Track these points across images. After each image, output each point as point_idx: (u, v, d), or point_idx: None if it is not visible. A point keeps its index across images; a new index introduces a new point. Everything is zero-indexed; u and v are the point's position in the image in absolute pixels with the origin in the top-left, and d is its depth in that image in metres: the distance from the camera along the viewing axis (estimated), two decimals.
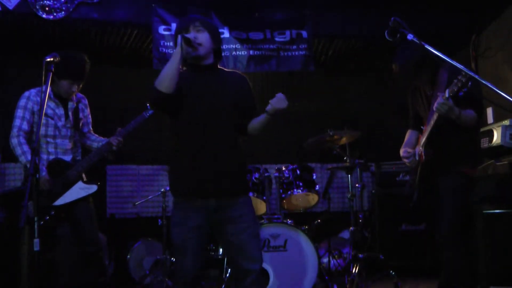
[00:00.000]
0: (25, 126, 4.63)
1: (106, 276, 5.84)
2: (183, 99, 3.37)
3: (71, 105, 4.81)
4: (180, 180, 3.44)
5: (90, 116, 5.04)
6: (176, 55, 3.27)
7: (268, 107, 3.32)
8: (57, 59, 3.77)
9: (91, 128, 5.07)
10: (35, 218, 3.33)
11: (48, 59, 3.75)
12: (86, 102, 5.01)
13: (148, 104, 4.89)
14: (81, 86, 4.81)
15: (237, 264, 3.44)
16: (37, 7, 5.74)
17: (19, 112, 4.68)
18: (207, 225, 3.40)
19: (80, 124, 4.91)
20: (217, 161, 3.33)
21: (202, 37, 3.40)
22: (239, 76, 3.61)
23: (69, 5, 5.86)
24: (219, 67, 3.63)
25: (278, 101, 3.30)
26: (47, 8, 5.78)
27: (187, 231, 3.34)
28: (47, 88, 3.71)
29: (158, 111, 3.47)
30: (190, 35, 3.35)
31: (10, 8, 5.69)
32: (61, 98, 4.76)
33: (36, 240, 3.31)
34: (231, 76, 3.59)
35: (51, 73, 3.72)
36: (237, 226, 3.37)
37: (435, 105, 3.86)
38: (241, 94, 3.49)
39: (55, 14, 5.81)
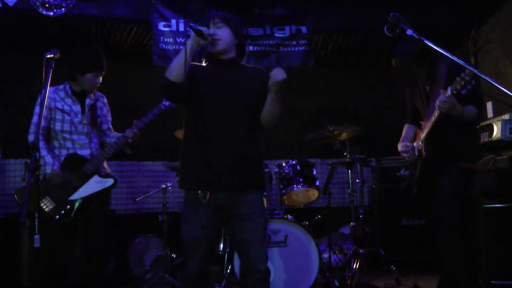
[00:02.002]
0: (41, 123, 4.65)
1: (106, 272, 5.86)
2: (197, 92, 3.38)
3: (88, 102, 4.84)
4: (189, 173, 3.44)
5: (109, 114, 5.07)
6: (186, 46, 3.27)
7: (269, 82, 3.25)
8: (57, 55, 3.79)
9: (111, 126, 5.09)
10: (35, 214, 3.34)
11: (48, 56, 3.76)
12: (105, 100, 5.04)
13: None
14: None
15: (243, 262, 3.46)
16: (37, 3, 5.73)
17: (36, 109, 4.73)
18: (215, 223, 3.40)
19: (99, 121, 4.94)
20: (226, 155, 3.33)
21: (221, 33, 3.41)
22: (259, 72, 3.58)
23: (69, 1, 5.86)
24: (241, 63, 3.61)
25: (277, 73, 3.22)
26: (47, 5, 5.78)
27: (195, 229, 3.35)
28: (48, 84, 3.72)
29: (168, 100, 3.47)
30: (205, 28, 3.33)
31: (11, 4, 5.69)
32: (78, 95, 4.80)
33: (36, 236, 3.31)
34: (251, 71, 3.57)
35: (51, 69, 3.73)
36: (244, 224, 3.37)
37: (437, 102, 3.86)
38: (258, 90, 3.43)
39: (55, 10, 5.81)
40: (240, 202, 3.36)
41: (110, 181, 4.71)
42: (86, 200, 4.61)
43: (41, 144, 4.60)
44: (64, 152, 4.70)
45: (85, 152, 4.75)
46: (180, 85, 3.29)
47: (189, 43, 3.29)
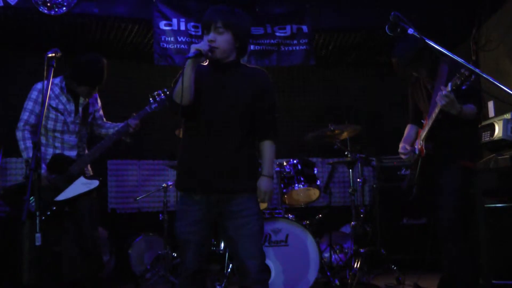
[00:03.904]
0: (32, 119, 4.64)
1: (103, 272, 5.86)
2: (196, 95, 3.33)
3: (82, 101, 4.83)
4: (184, 175, 3.44)
5: (101, 108, 5.08)
6: (186, 69, 3.20)
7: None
8: (58, 54, 3.78)
9: (104, 119, 5.11)
10: (37, 213, 3.33)
11: (50, 55, 3.75)
12: (97, 95, 5.04)
13: (151, 98, 4.92)
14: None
15: (236, 260, 3.45)
16: (39, 2, 5.73)
17: (29, 105, 4.68)
18: (209, 219, 3.39)
19: (90, 118, 4.94)
20: (221, 159, 3.32)
21: (221, 40, 3.32)
22: (260, 75, 3.51)
23: (70, 0, 5.86)
24: (241, 62, 3.56)
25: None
26: (48, 4, 5.77)
27: (189, 225, 3.34)
28: (49, 84, 3.71)
29: (180, 117, 3.43)
30: (202, 45, 3.26)
31: (12, 3, 5.69)
32: (72, 94, 4.78)
33: (37, 235, 3.31)
34: (251, 74, 3.49)
35: (53, 68, 3.73)
36: (236, 221, 3.35)
37: (437, 97, 3.85)
38: (257, 94, 3.40)
39: (56, 9, 5.81)
40: (233, 199, 3.36)
41: (95, 183, 4.67)
42: (72, 201, 4.61)
43: (29, 143, 4.58)
44: (50, 150, 4.68)
45: (73, 153, 4.75)
46: (189, 106, 3.27)
47: (188, 67, 3.20)
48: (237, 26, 3.39)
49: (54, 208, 4.52)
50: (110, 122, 5.06)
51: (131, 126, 4.80)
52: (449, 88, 3.75)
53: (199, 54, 3.21)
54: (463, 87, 3.66)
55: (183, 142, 3.49)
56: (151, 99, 4.93)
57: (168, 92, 4.68)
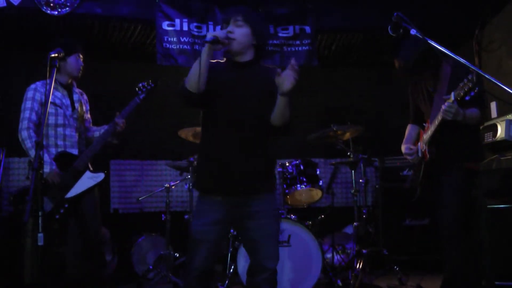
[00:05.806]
0: (34, 117, 4.64)
1: (106, 270, 5.87)
2: (213, 95, 3.34)
3: (76, 96, 4.83)
4: (202, 176, 3.45)
5: (88, 112, 5.08)
6: (202, 55, 3.22)
7: (279, 90, 3.24)
8: (61, 54, 3.80)
9: (91, 123, 5.11)
10: (39, 213, 3.34)
11: (53, 55, 3.76)
12: (86, 97, 5.06)
13: (137, 89, 4.94)
14: None
15: (253, 260, 3.45)
16: (42, 2, 5.74)
17: (28, 104, 4.68)
18: (227, 220, 3.39)
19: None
20: (240, 160, 3.32)
21: (239, 32, 3.35)
22: (275, 74, 3.40)
23: (73, 0, 5.87)
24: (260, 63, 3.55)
25: (284, 81, 3.23)
26: (51, 4, 5.78)
27: (205, 224, 3.34)
28: (52, 83, 3.72)
29: (189, 107, 3.44)
30: (219, 32, 3.29)
31: (15, 3, 5.70)
32: (66, 88, 4.78)
33: (40, 235, 3.31)
34: (266, 73, 3.47)
35: (55, 68, 3.74)
36: (255, 222, 3.36)
37: (441, 110, 3.84)
38: (272, 93, 3.34)
39: (59, 9, 5.82)
40: (252, 201, 3.36)
41: (101, 176, 4.69)
42: (80, 197, 4.62)
43: (35, 141, 4.58)
44: (53, 150, 4.66)
45: (75, 151, 4.74)
46: (200, 94, 3.27)
47: (204, 53, 3.22)
48: (256, 23, 3.44)
49: (67, 205, 4.53)
50: (96, 127, 5.06)
51: (118, 125, 4.78)
52: (452, 97, 3.73)
53: (216, 40, 3.23)
54: (467, 98, 3.65)
55: (202, 144, 3.50)
56: (138, 90, 4.94)
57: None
